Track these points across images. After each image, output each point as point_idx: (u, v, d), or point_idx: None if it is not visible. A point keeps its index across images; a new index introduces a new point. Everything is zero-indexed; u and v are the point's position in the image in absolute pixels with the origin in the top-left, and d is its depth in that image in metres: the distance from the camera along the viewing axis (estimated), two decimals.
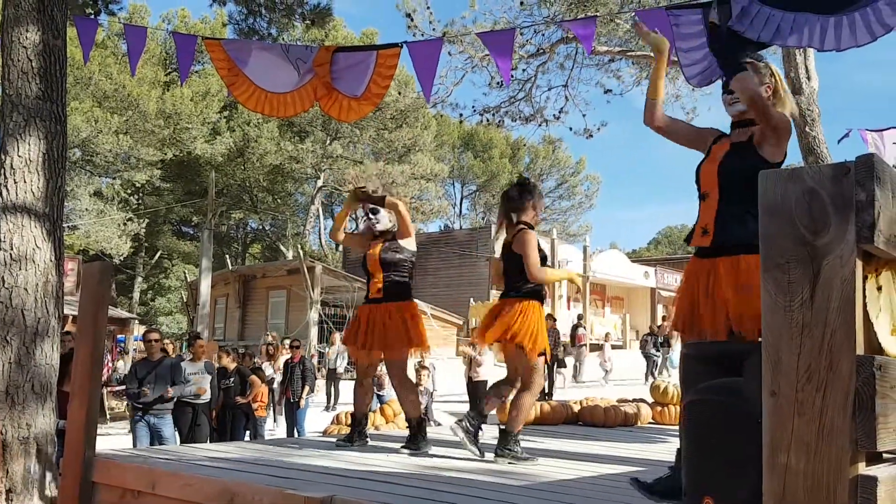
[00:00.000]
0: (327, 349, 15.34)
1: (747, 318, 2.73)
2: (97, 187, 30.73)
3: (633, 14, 9.19)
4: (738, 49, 3.12)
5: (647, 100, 3.31)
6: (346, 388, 15.27)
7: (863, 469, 1.51)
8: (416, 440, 4.65)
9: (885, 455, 1.72)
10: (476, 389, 12.00)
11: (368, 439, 5.00)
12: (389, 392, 11.12)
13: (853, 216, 1.50)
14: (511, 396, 4.54)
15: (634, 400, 7.27)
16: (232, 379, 8.72)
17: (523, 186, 4.52)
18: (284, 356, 11.86)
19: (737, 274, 2.83)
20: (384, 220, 4.88)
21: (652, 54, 3.59)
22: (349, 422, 9.14)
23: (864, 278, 1.58)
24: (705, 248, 2.97)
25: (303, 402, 10.47)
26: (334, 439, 5.36)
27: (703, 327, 2.90)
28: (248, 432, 8.96)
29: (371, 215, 4.89)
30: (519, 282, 4.34)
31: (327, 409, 14.05)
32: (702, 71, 4.85)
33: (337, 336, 15.65)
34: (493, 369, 14.58)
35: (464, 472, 3.79)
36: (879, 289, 1.66)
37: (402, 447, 4.62)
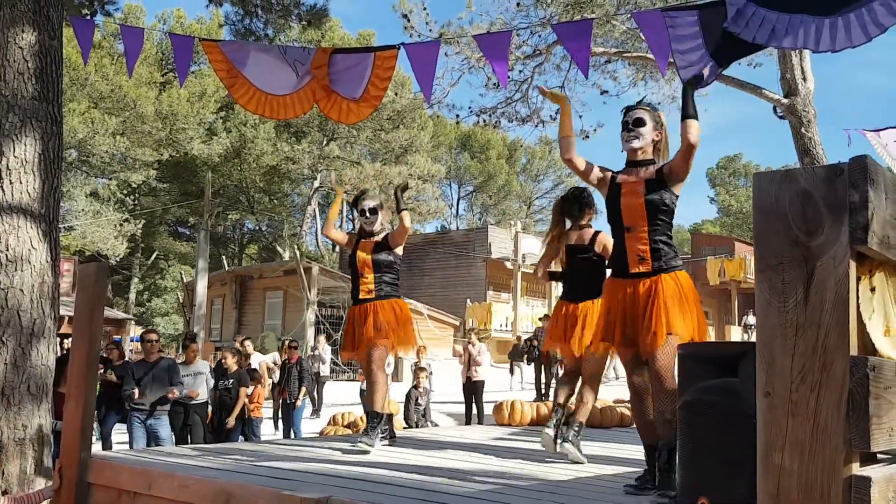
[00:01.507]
0: (316, 351, 14.82)
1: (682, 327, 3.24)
2: (93, 188, 30.70)
3: (629, 15, 9.21)
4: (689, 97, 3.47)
5: (561, 137, 3.71)
6: (332, 392, 15.17)
7: (856, 469, 1.52)
8: (368, 433, 4.74)
9: (878, 455, 1.73)
10: (474, 389, 12.01)
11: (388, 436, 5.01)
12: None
13: (847, 217, 1.51)
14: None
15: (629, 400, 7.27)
16: (231, 381, 8.70)
17: (582, 195, 4.71)
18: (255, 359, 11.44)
19: (678, 287, 3.31)
20: (378, 222, 5.03)
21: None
22: (346, 422, 9.15)
23: (858, 279, 1.59)
24: (644, 272, 3.37)
25: (299, 403, 10.45)
26: (331, 439, 5.36)
27: (640, 339, 3.31)
28: (243, 435, 8.94)
29: (369, 215, 4.99)
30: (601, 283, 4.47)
31: (313, 415, 13.67)
32: (699, 73, 4.85)
33: (322, 339, 15.11)
34: (489, 369, 14.56)
35: (459, 473, 3.80)
36: (873, 290, 1.66)
37: (386, 442, 4.76)
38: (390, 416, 5.15)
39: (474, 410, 11.97)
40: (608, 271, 4.07)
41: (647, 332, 3.26)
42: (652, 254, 3.35)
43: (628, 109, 3.57)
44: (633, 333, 3.35)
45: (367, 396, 4.94)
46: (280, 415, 10.93)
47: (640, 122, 3.49)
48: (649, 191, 3.39)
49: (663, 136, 3.58)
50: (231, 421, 8.45)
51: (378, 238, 5.01)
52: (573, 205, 4.68)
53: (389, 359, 11.22)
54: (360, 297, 4.91)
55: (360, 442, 4.61)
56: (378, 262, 4.90)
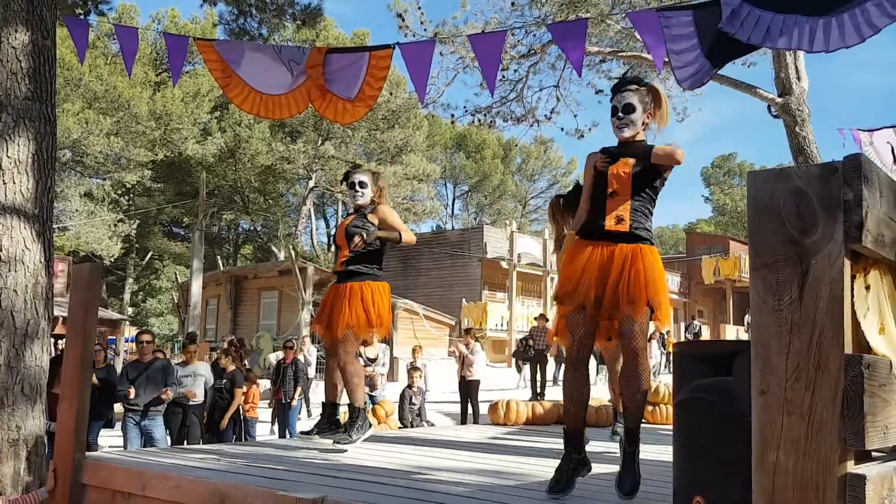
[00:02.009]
0: (300, 354, 14.38)
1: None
2: (87, 188, 30.57)
3: (624, 15, 9.22)
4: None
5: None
6: (318, 392, 15.03)
7: (851, 467, 1.52)
8: (349, 432, 4.57)
9: (873, 453, 1.73)
10: (469, 388, 12.00)
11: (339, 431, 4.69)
12: (381, 393, 11.10)
13: (841, 216, 1.51)
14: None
15: None
16: (225, 381, 8.69)
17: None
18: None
19: (653, 261, 3.30)
20: (367, 195, 4.78)
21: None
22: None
23: (853, 278, 1.59)
24: (620, 232, 3.32)
25: (294, 403, 10.44)
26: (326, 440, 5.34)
27: (614, 306, 3.25)
28: (235, 435, 8.93)
29: (358, 188, 4.75)
30: None
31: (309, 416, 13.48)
32: (693, 73, 4.86)
33: (307, 340, 14.88)
34: (485, 368, 14.56)
35: (454, 472, 3.79)
36: (868, 288, 1.67)
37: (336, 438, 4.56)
38: (334, 405, 4.85)
39: (470, 410, 11.97)
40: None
41: (626, 301, 3.17)
42: (631, 215, 3.32)
43: (616, 90, 3.48)
44: (604, 298, 3.23)
45: (348, 393, 4.66)
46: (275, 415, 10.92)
47: (629, 109, 3.42)
48: (638, 165, 3.38)
49: (662, 108, 3.48)
50: (224, 423, 8.43)
51: (362, 210, 4.73)
52: (573, 202, 4.63)
53: (385, 359, 11.21)
54: (336, 270, 4.72)
55: (339, 442, 4.49)
56: (350, 233, 4.60)
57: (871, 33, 4.22)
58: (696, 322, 25.43)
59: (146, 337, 7.76)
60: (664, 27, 4.81)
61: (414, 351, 12.17)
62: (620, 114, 3.45)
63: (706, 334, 27.48)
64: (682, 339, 24.51)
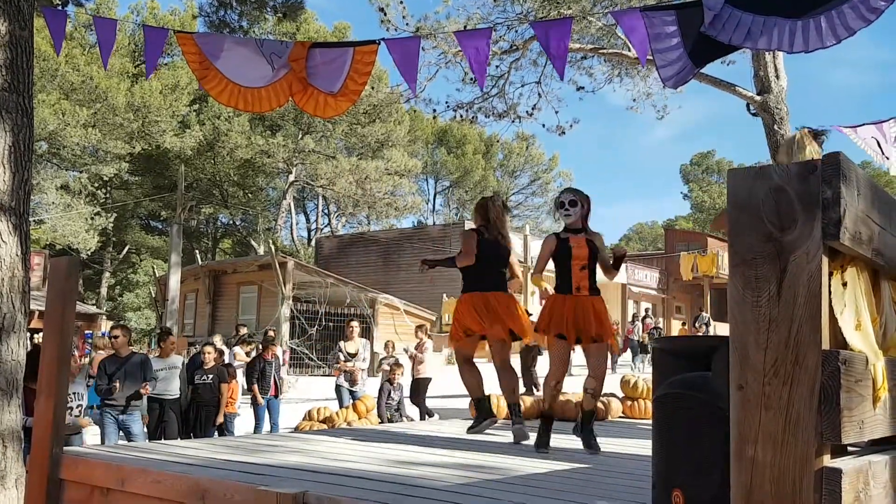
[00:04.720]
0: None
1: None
2: (64, 181, 30.22)
3: (607, 14, 9.26)
4: None
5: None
6: (307, 386, 15.05)
7: (827, 461, 1.55)
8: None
9: (849, 448, 1.76)
10: (418, 387, 11.57)
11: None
12: (362, 388, 11.05)
13: (819, 213, 1.53)
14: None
15: (605, 395, 7.32)
16: (210, 376, 8.64)
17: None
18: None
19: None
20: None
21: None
22: (321, 418, 9.12)
23: (830, 274, 1.61)
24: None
25: (282, 396, 10.39)
26: (306, 434, 5.33)
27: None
28: (217, 431, 8.88)
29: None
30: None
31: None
32: (677, 72, 4.88)
33: (238, 350, 12.46)
34: (437, 367, 13.89)
35: (435, 467, 3.80)
36: (845, 284, 1.69)
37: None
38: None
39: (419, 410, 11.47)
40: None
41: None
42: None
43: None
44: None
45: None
46: (255, 410, 10.83)
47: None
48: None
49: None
50: (220, 418, 8.48)
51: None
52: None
53: (366, 354, 11.12)
54: None
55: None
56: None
57: (847, 35, 4.30)
58: (704, 314, 25.58)
59: (116, 332, 7.69)
60: (648, 27, 4.83)
61: (386, 346, 12.08)
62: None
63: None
64: (692, 331, 24.60)
